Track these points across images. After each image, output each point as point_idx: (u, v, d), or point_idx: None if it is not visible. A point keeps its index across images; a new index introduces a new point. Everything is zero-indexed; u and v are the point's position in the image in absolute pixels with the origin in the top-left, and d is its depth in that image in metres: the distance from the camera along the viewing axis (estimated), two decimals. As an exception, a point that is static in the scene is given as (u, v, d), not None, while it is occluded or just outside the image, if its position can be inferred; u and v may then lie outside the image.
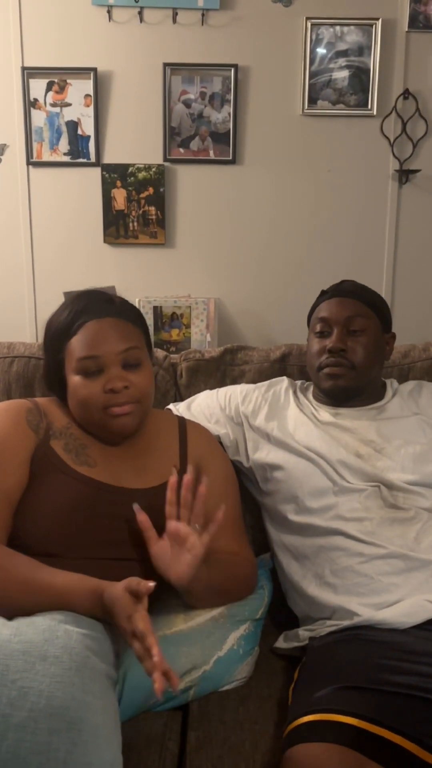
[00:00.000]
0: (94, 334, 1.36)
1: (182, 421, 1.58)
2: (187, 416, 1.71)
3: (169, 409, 1.75)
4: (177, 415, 1.63)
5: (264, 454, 1.63)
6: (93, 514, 1.30)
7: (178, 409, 1.75)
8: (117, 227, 2.47)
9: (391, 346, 1.72)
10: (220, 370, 1.90)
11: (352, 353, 1.60)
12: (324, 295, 1.71)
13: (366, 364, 1.61)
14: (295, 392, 1.74)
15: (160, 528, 1.34)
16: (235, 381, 1.88)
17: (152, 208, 2.46)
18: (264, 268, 2.53)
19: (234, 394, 1.75)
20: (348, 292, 1.67)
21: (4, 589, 1.16)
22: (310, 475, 1.55)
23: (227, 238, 2.51)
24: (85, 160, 2.43)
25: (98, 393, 1.34)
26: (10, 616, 1.12)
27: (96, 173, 2.44)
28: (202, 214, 2.49)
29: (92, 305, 1.39)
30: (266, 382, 1.78)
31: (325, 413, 1.65)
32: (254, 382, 1.83)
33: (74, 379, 1.35)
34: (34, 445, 1.34)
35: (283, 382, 1.78)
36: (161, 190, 2.44)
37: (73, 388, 1.36)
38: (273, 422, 1.66)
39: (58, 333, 1.38)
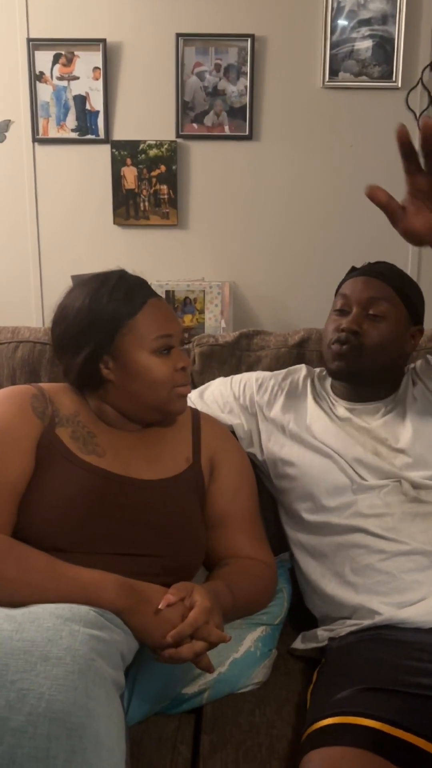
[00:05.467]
0: (163, 311, 1.40)
1: (196, 413, 1.57)
2: (199, 405, 1.70)
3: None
4: (190, 407, 1.62)
5: (278, 447, 1.62)
6: (101, 505, 1.30)
7: (189, 397, 1.74)
8: (127, 207, 2.47)
9: (416, 340, 1.65)
10: (235, 355, 1.89)
11: (365, 337, 1.55)
12: (353, 271, 1.68)
13: (377, 351, 1.56)
14: (312, 381, 1.72)
15: (172, 518, 1.35)
16: (250, 367, 1.87)
17: (164, 187, 2.45)
18: (281, 249, 2.51)
19: (249, 383, 1.74)
20: (377, 273, 1.61)
21: (23, 578, 1.15)
22: (327, 472, 1.53)
23: (243, 218, 2.50)
24: (93, 137, 2.43)
25: (171, 372, 1.37)
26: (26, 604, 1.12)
27: (105, 150, 2.44)
28: (216, 193, 2.48)
29: (137, 283, 1.41)
30: (284, 371, 1.77)
31: (341, 408, 1.63)
32: (271, 368, 1.82)
33: (148, 359, 1.36)
34: (40, 433, 1.34)
35: (302, 370, 1.76)
36: (173, 168, 2.43)
37: (145, 368, 1.36)
38: (289, 414, 1.64)
39: (115, 313, 1.35)
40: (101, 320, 1.35)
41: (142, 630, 1.14)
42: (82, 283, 1.42)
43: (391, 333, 1.57)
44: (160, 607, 1.15)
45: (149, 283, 1.45)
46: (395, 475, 1.50)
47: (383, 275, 1.61)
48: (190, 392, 1.45)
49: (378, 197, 1.20)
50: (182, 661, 1.14)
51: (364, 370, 1.57)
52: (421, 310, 1.66)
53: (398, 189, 1.24)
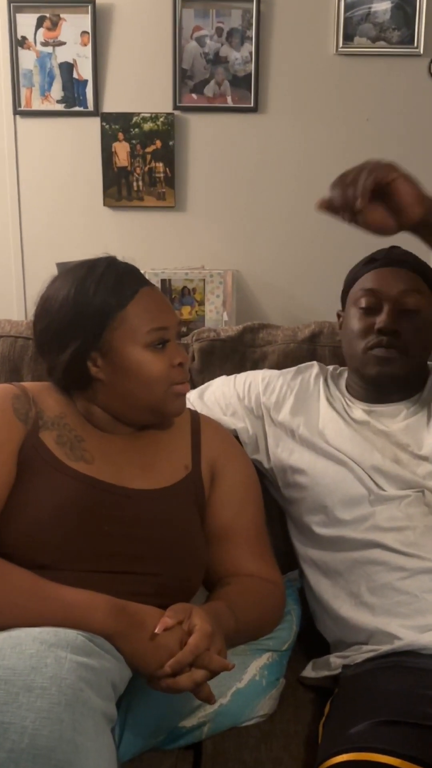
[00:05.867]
0: (156, 301, 1.40)
1: (195, 415, 1.57)
2: (198, 406, 1.70)
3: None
4: (189, 409, 1.62)
5: (287, 453, 1.62)
6: (90, 517, 1.30)
7: (188, 397, 1.74)
8: (119, 187, 2.47)
9: None
10: (239, 352, 1.89)
11: (406, 336, 1.55)
12: (372, 262, 1.65)
13: (418, 350, 1.57)
14: (325, 380, 1.72)
15: (168, 532, 1.35)
16: (256, 365, 1.87)
17: (160, 165, 2.45)
18: (290, 235, 2.51)
19: (255, 382, 1.74)
20: (401, 261, 1.61)
21: (4, 599, 1.15)
22: (341, 481, 1.53)
23: (247, 199, 2.50)
24: (81, 109, 2.43)
25: (167, 368, 1.37)
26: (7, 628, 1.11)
27: (94, 124, 2.44)
28: (218, 171, 2.48)
29: (128, 270, 1.41)
30: (293, 369, 1.76)
31: (358, 411, 1.62)
32: (278, 365, 1.82)
33: (142, 355, 1.36)
34: (22, 438, 1.34)
35: (313, 368, 1.75)
36: (170, 143, 2.43)
37: (137, 364, 1.36)
38: (299, 417, 1.64)
39: (103, 304, 1.35)
40: (88, 313, 1.35)
41: (136, 657, 1.14)
42: (66, 271, 1.42)
43: (425, 328, 1.57)
44: (155, 631, 1.14)
45: (143, 271, 1.45)
46: (417, 484, 1.50)
47: (408, 263, 1.60)
48: (188, 391, 1.45)
49: (330, 210, 1.26)
50: (180, 691, 1.14)
51: (407, 372, 1.57)
52: None
53: (417, 165, 1.25)
